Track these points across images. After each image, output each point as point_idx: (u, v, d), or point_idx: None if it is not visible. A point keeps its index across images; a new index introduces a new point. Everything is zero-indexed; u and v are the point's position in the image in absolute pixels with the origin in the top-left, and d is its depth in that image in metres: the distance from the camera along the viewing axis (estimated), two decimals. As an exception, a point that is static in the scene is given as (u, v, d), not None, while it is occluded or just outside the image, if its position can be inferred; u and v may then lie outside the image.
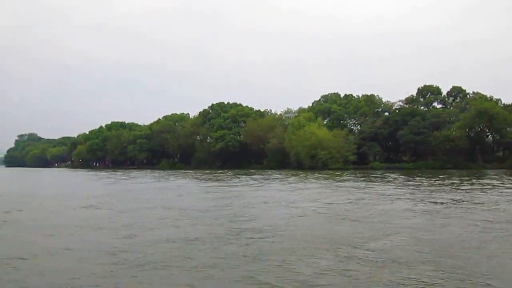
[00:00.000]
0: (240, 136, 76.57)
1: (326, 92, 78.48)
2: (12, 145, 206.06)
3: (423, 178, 31.41)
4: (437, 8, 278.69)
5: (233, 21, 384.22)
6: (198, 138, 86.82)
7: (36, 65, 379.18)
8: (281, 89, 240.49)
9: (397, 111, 62.90)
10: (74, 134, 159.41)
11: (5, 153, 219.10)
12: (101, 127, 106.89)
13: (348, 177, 34.96)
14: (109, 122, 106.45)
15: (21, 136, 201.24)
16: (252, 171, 59.72)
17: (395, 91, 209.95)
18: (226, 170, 61.67)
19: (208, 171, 58.88)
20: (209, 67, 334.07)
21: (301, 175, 40.37)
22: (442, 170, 49.16)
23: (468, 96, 63.73)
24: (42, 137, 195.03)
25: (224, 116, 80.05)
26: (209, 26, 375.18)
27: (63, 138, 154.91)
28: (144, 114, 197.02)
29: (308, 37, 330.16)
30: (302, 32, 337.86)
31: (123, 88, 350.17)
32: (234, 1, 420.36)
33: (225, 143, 76.12)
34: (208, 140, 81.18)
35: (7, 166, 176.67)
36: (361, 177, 35.30)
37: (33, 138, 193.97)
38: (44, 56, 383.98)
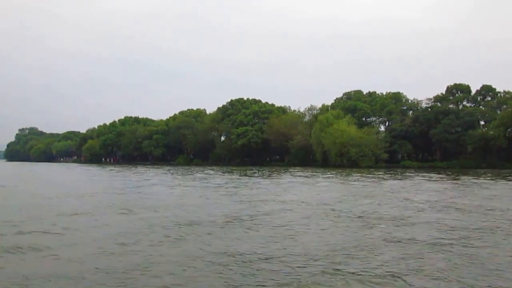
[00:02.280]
0: (262, 132, 75.26)
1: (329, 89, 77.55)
2: (12, 139, 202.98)
3: (489, 179, 30.56)
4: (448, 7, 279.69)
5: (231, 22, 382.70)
6: (216, 134, 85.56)
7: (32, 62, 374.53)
8: (282, 89, 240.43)
9: (429, 109, 62.04)
10: (68, 129, 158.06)
11: (5, 147, 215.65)
12: (114, 121, 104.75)
13: (410, 177, 34.06)
14: (122, 117, 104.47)
15: (21, 130, 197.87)
16: (282, 168, 58.62)
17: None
18: (258, 167, 60.34)
19: (236, 168, 57.53)
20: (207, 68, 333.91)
21: (348, 173, 39.40)
22: (478, 169, 48.69)
23: (499, 95, 63.14)
24: (43, 131, 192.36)
25: (245, 113, 78.70)
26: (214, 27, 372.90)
27: (68, 132, 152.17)
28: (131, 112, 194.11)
29: (308, 38, 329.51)
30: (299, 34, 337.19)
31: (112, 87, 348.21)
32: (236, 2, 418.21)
33: (247, 139, 74.87)
34: (228, 136, 79.75)
35: (9, 160, 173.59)
36: (416, 176, 34.39)
37: (34, 132, 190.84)
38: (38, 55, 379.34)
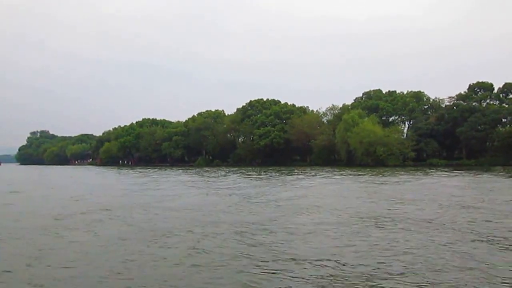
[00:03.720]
0: (284, 132, 75.86)
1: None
2: (22, 143, 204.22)
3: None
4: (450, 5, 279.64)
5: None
6: (236, 135, 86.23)
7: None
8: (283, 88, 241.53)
9: (454, 107, 62.50)
10: (72, 131, 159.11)
11: (16, 150, 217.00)
12: (132, 124, 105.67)
13: (452, 176, 34.56)
14: (140, 119, 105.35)
15: (33, 133, 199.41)
16: (307, 167, 59.16)
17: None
18: (282, 167, 60.70)
19: (266, 168, 58.10)
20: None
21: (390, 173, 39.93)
22: (507, 166, 49.11)
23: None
24: (54, 134, 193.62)
25: (266, 113, 79.31)
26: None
27: (81, 135, 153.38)
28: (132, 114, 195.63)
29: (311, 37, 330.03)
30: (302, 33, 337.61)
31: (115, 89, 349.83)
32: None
33: (270, 139, 75.49)
34: (250, 137, 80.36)
35: (22, 163, 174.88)
36: (462, 175, 34.88)
37: (46, 135, 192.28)
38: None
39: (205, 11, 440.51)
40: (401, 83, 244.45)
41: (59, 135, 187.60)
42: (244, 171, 48.81)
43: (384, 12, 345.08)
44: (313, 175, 35.65)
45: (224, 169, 59.19)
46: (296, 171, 46.34)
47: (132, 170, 61.41)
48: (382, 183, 25.39)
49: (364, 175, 35.16)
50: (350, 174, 36.39)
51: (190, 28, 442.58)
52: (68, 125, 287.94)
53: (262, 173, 42.70)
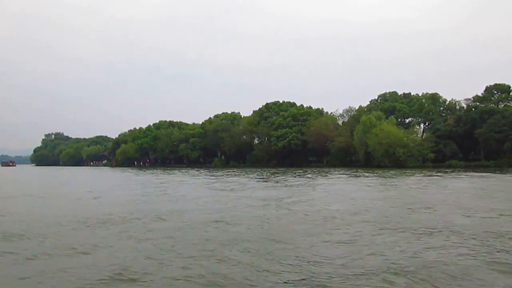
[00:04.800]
0: (302, 134, 76.94)
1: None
2: (37, 144, 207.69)
3: None
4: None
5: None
6: (253, 136, 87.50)
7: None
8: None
9: (473, 109, 63.09)
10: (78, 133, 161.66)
11: (29, 152, 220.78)
12: (149, 125, 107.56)
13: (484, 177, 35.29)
14: (157, 121, 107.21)
15: (48, 135, 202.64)
16: (325, 168, 60.10)
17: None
18: (300, 168, 61.59)
19: (287, 169, 59.21)
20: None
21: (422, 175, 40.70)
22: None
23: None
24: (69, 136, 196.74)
25: (283, 115, 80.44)
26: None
27: (96, 137, 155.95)
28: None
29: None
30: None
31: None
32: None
33: (287, 141, 76.58)
34: (267, 139, 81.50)
35: (38, 164, 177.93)
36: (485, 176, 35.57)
37: (60, 137, 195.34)
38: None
39: (214, 14, 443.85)
40: (402, 84, 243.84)
41: (73, 137, 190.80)
42: (279, 175, 49.67)
43: (384, 15, 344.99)
44: (350, 177, 36.61)
45: (246, 170, 60.35)
46: (326, 173, 47.29)
47: (167, 172, 62.37)
48: (427, 186, 25.47)
49: (393, 177, 36.09)
50: (381, 176, 37.31)
51: (197, 31, 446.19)
52: (79, 127, 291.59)
53: (296, 176, 43.45)
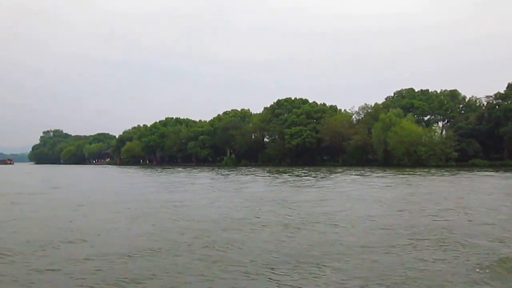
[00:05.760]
0: (316, 132, 75.08)
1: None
2: (35, 142, 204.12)
3: None
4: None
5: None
6: (264, 134, 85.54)
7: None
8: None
9: (496, 106, 61.50)
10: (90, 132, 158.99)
11: (25, 149, 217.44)
12: (155, 122, 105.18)
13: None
14: (163, 118, 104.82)
15: (46, 132, 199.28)
16: (341, 167, 58.31)
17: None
18: (314, 167, 59.60)
19: (308, 168, 57.30)
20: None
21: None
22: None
23: None
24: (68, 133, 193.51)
25: (297, 112, 78.50)
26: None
27: (98, 134, 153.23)
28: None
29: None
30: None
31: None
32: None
33: (302, 139, 74.67)
34: (280, 137, 79.53)
35: (37, 162, 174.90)
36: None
37: (59, 135, 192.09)
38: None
39: (214, 9, 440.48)
40: (404, 81, 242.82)
41: (72, 134, 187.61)
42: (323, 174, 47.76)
43: (382, 10, 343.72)
44: (386, 178, 34.78)
45: (272, 169, 58.41)
46: (363, 174, 45.49)
47: (187, 171, 60.11)
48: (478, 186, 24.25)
49: (431, 175, 34.35)
50: (419, 174, 35.55)
51: (196, 26, 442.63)
52: (78, 125, 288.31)
53: (331, 177, 41.60)
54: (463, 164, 58.20)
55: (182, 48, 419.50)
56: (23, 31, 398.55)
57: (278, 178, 35.86)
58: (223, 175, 43.89)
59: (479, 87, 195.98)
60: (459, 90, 72.64)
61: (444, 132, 65.45)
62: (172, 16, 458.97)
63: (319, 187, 25.30)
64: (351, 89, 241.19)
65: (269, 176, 39.77)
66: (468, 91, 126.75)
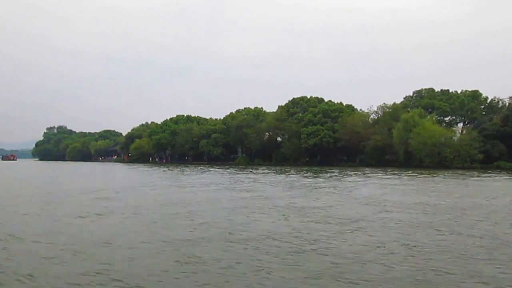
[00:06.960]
0: (334, 132, 73.89)
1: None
2: (38, 138, 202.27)
3: None
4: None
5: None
6: (279, 133, 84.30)
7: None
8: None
9: (522, 107, 60.54)
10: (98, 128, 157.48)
11: (29, 145, 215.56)
12: (166, 120, 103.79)
13: None
14: (174, 116, 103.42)
15: (49, 128, 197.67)
16: (360, 168, 57.20)
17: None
18: (331, 167, 58.48)
19: (333, 168, 56.16)
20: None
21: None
22: None
23: None
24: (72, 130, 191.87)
25: (313, 111, 77.30)
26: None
27: (105, 131, 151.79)
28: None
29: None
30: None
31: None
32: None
33: (319, 138, 73.48)
34: (296, 136, 78.30)
35: (41, 159, 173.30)
36: None
37: (63, 131, 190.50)
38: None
39: (215, 6, 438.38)
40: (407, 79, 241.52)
41: (76, 131, 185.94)
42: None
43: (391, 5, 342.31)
44: (417, 181, 33.62)
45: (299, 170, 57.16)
46: (399, 174, 44.35)
47: (208, 170, 58.89)
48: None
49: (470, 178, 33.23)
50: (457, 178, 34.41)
51: (194, 24, 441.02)
52: (80, 121, 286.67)
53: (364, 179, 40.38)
54: (487, 166, 57.13)
55: (189, 46, 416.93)
56: (23, 27, 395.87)
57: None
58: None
59: (502, 88, 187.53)
60: (480, 91, 71.66)
61: (464, 133, 64.43)
62: (184, 13, 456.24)
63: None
64: (370, 84, 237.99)
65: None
66: (489, 91, 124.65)
